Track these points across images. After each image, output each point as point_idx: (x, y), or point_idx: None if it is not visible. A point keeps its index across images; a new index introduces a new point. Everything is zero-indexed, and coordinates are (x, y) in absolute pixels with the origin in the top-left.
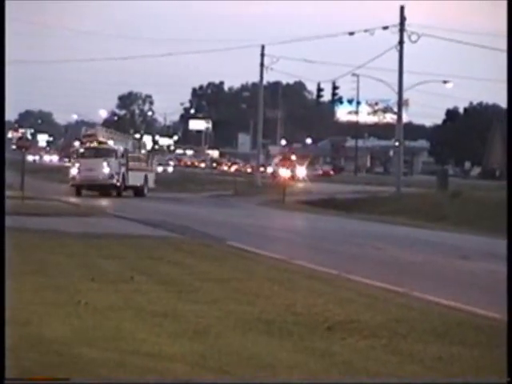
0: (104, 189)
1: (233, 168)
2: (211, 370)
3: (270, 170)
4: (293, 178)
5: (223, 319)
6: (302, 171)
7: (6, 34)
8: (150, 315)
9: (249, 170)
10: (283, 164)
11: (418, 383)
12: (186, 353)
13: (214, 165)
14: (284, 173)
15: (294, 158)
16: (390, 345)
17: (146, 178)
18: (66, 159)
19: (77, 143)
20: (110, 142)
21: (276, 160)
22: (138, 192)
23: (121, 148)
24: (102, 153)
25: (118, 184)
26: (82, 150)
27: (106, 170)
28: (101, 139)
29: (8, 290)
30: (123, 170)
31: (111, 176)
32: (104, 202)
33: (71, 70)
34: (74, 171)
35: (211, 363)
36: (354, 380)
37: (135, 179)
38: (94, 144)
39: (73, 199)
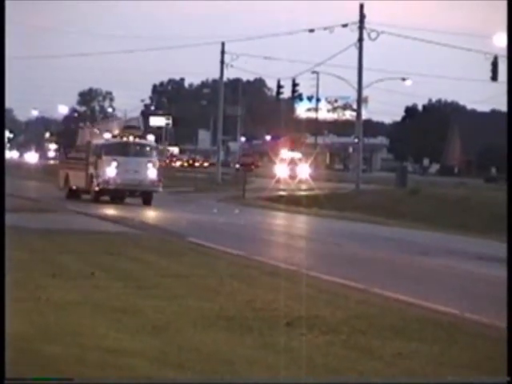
0: (143, 196)
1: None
2: (171, 366)
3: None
4: (292, 178)
5: (183, 315)
6: (304, 170)
7: None
8: (109, 311)
9: (196, 164)
10: (284, 162)
11: (418, 383)
12: (146, 348)
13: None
14: (281, 172)
15: (299, 155)
16: (350, 341)
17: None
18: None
19: (107, 135)
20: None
21: (283, 157)
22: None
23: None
24: (145, 151)
25: (161, 190)
26: (120, 146)
27: (153, 172)
28: (140, 133)
29: None
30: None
31: (158, 181)
32: (61, 198)
33: (31, 66)
34: (110, 172)
35: (171, 359)
36: (356, 380)
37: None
38: (136, 139)
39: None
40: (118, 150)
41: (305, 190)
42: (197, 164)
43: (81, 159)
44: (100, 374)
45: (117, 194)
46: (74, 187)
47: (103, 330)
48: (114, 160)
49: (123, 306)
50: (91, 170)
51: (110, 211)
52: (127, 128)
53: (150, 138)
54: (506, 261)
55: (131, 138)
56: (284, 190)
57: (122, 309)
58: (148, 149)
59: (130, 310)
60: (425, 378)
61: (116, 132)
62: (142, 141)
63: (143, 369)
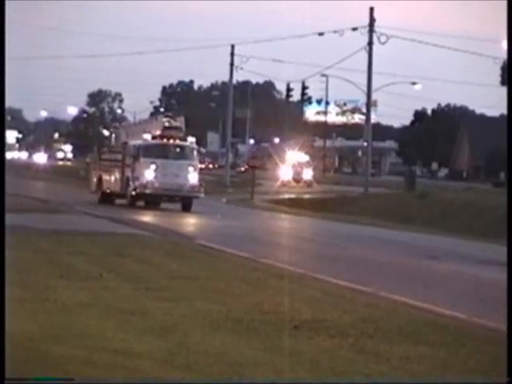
0: (183, 201)
1: None
2: (179, 368)
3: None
4: (297, 181)
5: (191, 317)
6: (307, 173)
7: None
8: (118, 312)
9: (202, 166)
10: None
11: (418, 383)
12: (154, 350)
13: None
14: (286, 175)
15: (305, 158)
16: (357, 344)
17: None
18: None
19: (147, 136)
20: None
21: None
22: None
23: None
24: (186, 153)
25: (202, 196)
26: (160, 147)
27: (194, 177)
28: (181, 135)
29: None
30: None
31: (199, 186)
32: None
33: (41, 66)
34: (148, 175)
35: (179, 361)
36: (356, 380)
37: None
38: (176, 141)
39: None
40: (157, 151)
41: (313, 193)
42: (202, 166)
43: (116, 161)
44: (108, 375)
45: (155, 199)
46: (108, 191)
47: (111, 331)
48: (153, 162)
49: (132, 308)
50: (128, 172)
51: (118, 214)
52: (168, 128)
53: (191, 139)
54: (506, 262)
55: (175, 140)
56: (292, 192)
57: (131, 310)
58: (189, 151)
59: (139, 311)
60: (426, 378)
61: (156, 132)
62: (183, 143)
63: (151, 370)
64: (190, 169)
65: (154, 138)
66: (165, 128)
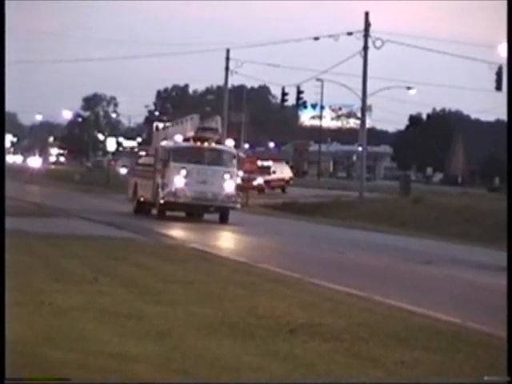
0: (219, 212)
1: None
2: (175, 372)
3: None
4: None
5: (187, 321)
6: (259, 179)
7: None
8: (113, 316)
9: None
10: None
11: (419, 383)
12: (150, 354)
13: None
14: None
15: (270, 163)
16: (353, 349)
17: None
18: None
19: (178, 137)
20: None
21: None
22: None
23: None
24: (222, 159)
25: (238, 207)
26: (192, 151)
27: (230, 185)
28: (217, 137)
29: None
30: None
31: (236, 196)
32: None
33: (36, 70)
34: (178, 182)
35: (175, 365)
36: (355, 380)
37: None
38: (211, 144)
39: None
40: (189, 155)
41: (306, 198)
42: None
43: (150, 166)
44: (103, 379)
45: (186, 209)
46: (142, 199)
47: (107, 335)
48: (184, 168)
49: (127, 312)
50: (158, 179)
51: (112, 218)
52: (202, 130)
53: (229, 143)
54: (507, 263)
55: (210, 144)
56: (285, 197)
57: (127, 314)
58: (226, 156)
59: (135, 315)
60: (425, 379)
61: (188, 134)
62: (220, 146)
63: (147, 375)
64: (226, 176)
65: (186, 140)
66: (198, 129)
